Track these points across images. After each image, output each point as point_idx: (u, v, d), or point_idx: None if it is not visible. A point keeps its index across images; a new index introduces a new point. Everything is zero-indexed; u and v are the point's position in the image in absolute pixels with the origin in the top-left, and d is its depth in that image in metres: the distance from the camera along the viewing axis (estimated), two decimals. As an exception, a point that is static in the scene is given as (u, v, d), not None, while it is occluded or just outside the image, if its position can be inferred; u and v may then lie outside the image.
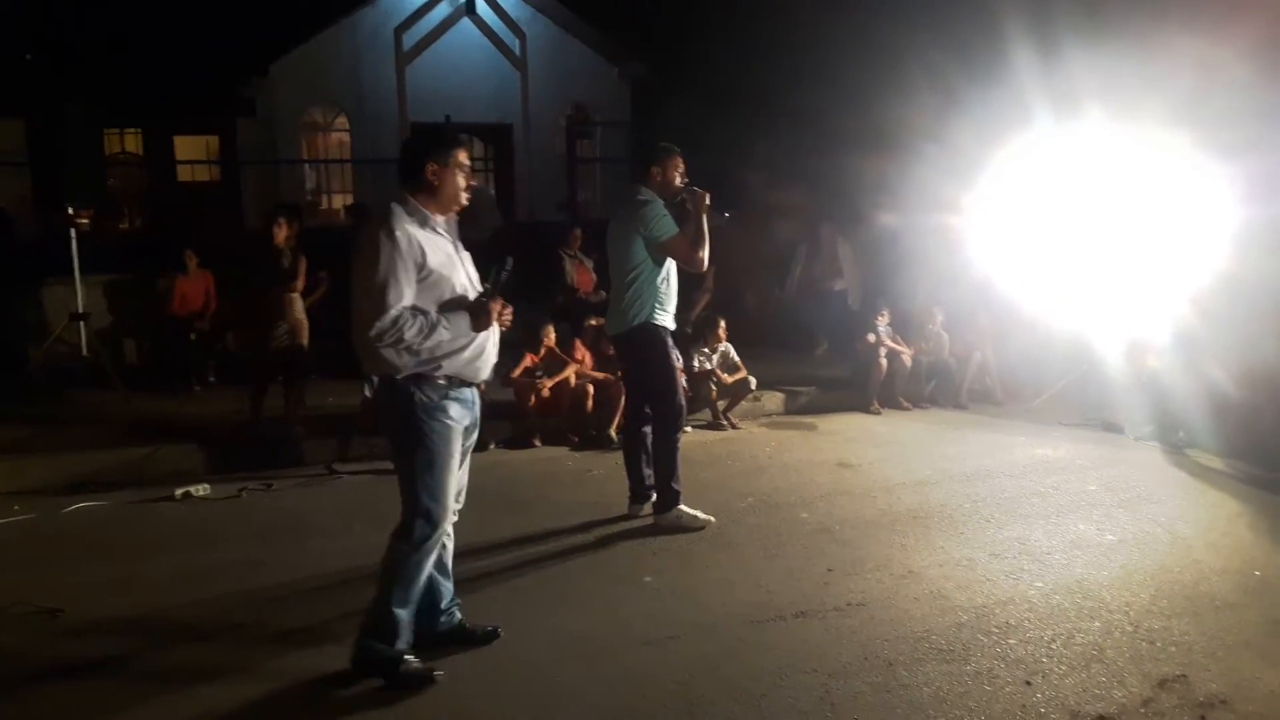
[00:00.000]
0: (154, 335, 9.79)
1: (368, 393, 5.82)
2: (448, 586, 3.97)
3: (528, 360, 7.80)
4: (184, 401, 8.56)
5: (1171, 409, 7.48)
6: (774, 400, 8.93)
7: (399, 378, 3.57)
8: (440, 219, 3.68)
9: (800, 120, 13.93)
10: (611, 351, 7.23)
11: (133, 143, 17.89)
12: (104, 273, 9.91)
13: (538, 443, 7.63)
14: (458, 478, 3.82)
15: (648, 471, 5.65)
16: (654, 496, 5.61)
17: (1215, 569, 4.85)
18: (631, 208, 5.41)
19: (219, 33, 15.74)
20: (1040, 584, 4.66)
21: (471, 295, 3.68)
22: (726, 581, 4.74)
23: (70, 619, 4.33)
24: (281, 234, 7.31)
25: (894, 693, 3.60)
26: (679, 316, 5.76)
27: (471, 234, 3.93)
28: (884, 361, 8.92)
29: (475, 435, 3.88)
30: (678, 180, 5.48)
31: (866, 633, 4.11)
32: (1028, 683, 3.66)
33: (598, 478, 6.74)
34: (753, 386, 8.43)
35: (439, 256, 3.59)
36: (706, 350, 8.45)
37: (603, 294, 9.44)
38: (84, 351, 9.21)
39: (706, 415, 8.35)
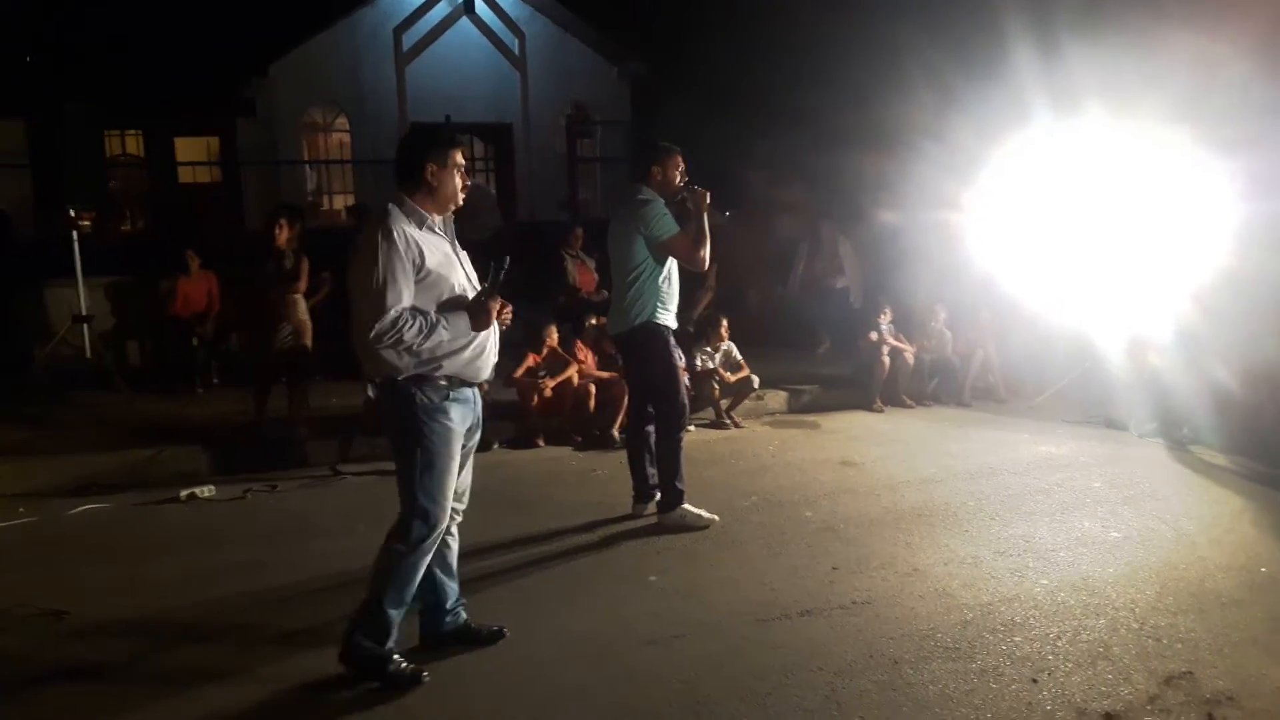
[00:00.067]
0: (157, 337, 9.79)
1: (371, 393, 5.82)
2: (453, 587, 3.97)
3: (530, 360, 7.80)
4: (187, 403, 8.56)
5: (1175, 406, 7.48)
6: (777, 399, 8.93)
7: (399, 379, 3.57)
8: (438, 219, 3.68)
9: (800, 118, 13.91)
10: (613, 350, 7.23)
11: (134, 144, 17.90)
12: (106, 274, 9.92)
13: (541, 443, 7.63)
14: (461, 478, 3.82)
15: (651, 471, 5.65)
16: (658, 496, 5.61)
17: (1221, 565, 4.84)
18: (632, 207, 5.40)
19: (219, 33, 15.75)
20: (1045, 581, 4.66)
21: (470, 295, 3.67)
22: (731, 580, 4.74)
23: (75, 621, 4.33)
24: (283, 235, 7.32)
25: (900, 691, 3.59)
26: (681, 315, 5.75)
27: (473, 234, 3.94)
28: (886, 359, 8.92)
29: (478, 436, 3.88)
30: (678, 179, 5.47)
31: (872, 631, 4.11)
32: (1034, 680, 3.66)
33: (601, 477, 6.73)
34: (755, 385, 8.43)
35: (437, 257, 3.58)
36: (709, 349, 8.45)
37: (605, 293, 9.44)
38: (87, 353, 9.23)
39: (710, 414, 8.35)
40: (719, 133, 13.86)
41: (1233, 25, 7.71)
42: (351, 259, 3.57)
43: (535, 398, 7.61)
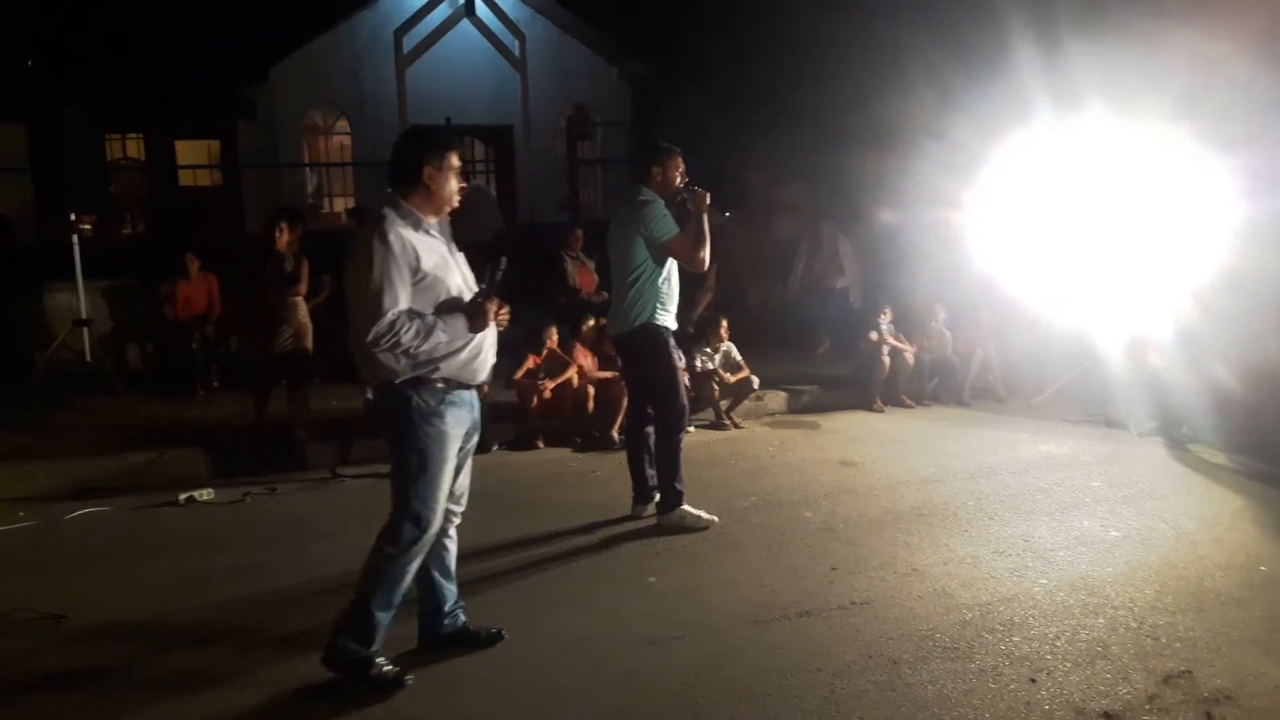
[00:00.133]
0: (157, 340, 9.80)
1: (370, 395, 5.82)
2: (451, 589, 3.97)
3: (530, 362, 7.80)
4: (187, 406, 8.56)
5: (1174, 404, 7.47)
6: (777, 399, 8.93)
7: (396, 382, 3.56)
8: (433, 221, 3.66)
9: (800, 118, 13.91)
10: (612, 351, 7.23)
11: (134, 148, 17.94)
12: (107, 278, 9.92)
13: (540, 444, 7.63)
14: (460, 480, 3.82)
15: (651, 472, 5.65)
16: (657, 497, 5.61)
17: (1220, 564, 4.84)
18: (632, 208, 5.41)
19: (219, 36, 15.77)
20: (1045, 581, 4.65)
21: (467, 296, 3.66)
22: (730, 581, 4.74)
23: (74, 625, 4.33)
24: (283, 239, 7.32)
25: (899, 691, 3.59)
26: (681, 316, 5.75)
27: (474, 235, 3.94)
28: (886, 359, 8.91)
29: (476, 438, 3.87)
30: (678, 180, 5.48)
31: (871, 631, 4.11)
32: (1032, 680, 3.66)
33: (601, 479, 6.73)
34: (755, 386, 8.43)
35: (433, 259, 3.57)
36: (709, 350, 8.44)
37: (605, 295, 9.43)
38: (87, 357, 9.22)
39: (709, 415, 8.35)
40: (719, 133, 13.87)
41: (1233, 23, 7.70)
42: (347, 262, 3.56)
43: (535, 399, 7.61)
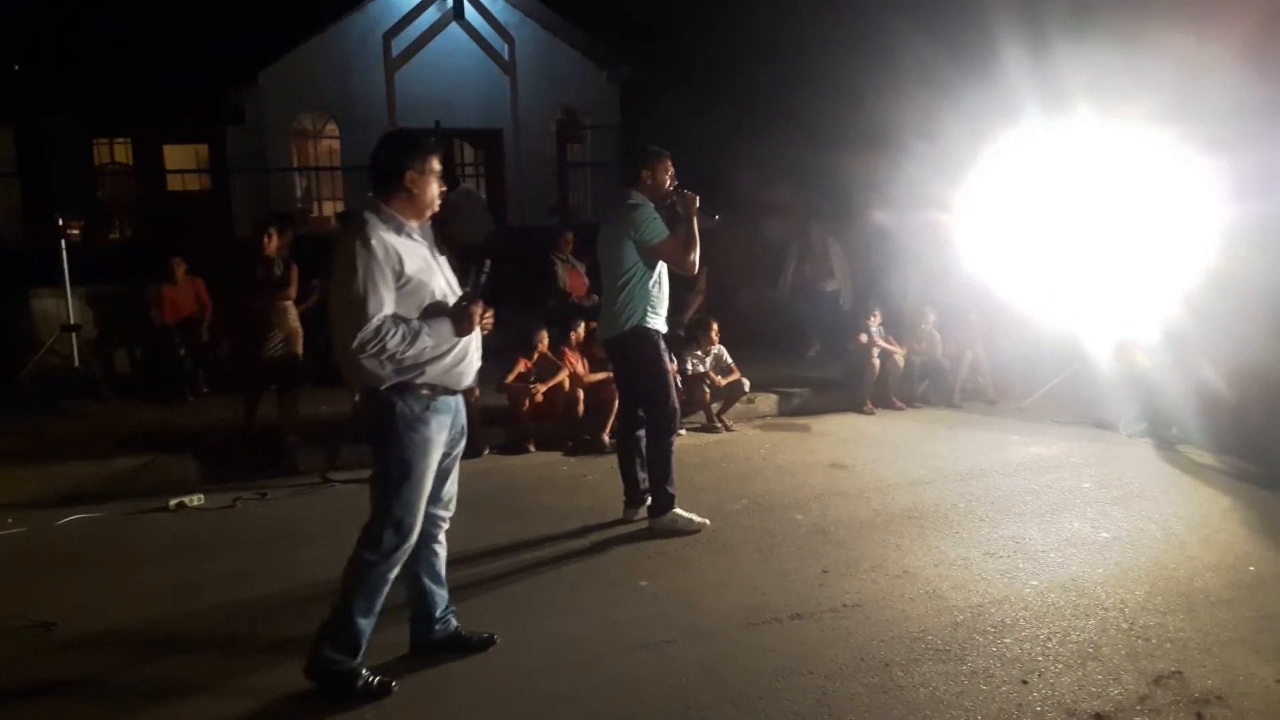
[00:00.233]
0: (146, 345, 9.76)
1: (358, 399, 5.81)
2: (442, 594, 3.96)
3: (521, 365, 7.79)
4: (177, 411, 8.53)
5: (1163, 406, 7.50)
6: (767, 402, 8.94)
7: (381, 389, 3.54)
8: (415, 225, 3.64)
9: (790, 120, 13.94)
10: (603, 355, 7.23)
11: (122, 152, 17.86)
12: (95, 283, 9.88)
13: (532, 448, 7.62)
14: (448, 486, 3.82)
15: (642, 475, 5.65)
16: (649, 500, 5.61)
17: (1209, 565, 4.86)
18: (622, 211, 5.41)
19: (207, 41, 15.73)
20: (1035, 582, 4.67)
21: (451, 300, 3.64)
22: (722, 584, 4.74)
23: (64, 632, 4.31)
24: (272, 244, 7.30)
25: (890, 694, 3.60)
26: (671, 319, 5.76)
27: (464, 239, 3.93)
28: (876, 362, 8.93)
29: (463, 444, 3.85)
30: (668, 183, 5.48)
31: (862, 634, 4.11)
32: (1024, 681, 3.67)
33: (592, 482, 6.73)
34: (746, 388, 8.44)
35: (416, 262, 3.55)
36: (699, 353, 8.45)
37: (595, 298, 9.43)
38: (76, 362, 9.18)
39: (700, 418, 8.35)
40: (709, 136, 13.88)
41: (1221, 26, 7.74)
42: (332, 267, 3.54)
43: (526, 403, 7.61)
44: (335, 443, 7.18)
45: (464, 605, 4.18)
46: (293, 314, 7.37)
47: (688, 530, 5.48)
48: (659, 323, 5.48)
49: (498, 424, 7.63)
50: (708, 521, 5.58)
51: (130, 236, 16.70)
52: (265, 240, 7.30)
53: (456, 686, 3.72)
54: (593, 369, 8.04)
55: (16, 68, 15.63)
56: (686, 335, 8.77)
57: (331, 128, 18.05)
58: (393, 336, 3.44)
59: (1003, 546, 5.18)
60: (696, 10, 17.18)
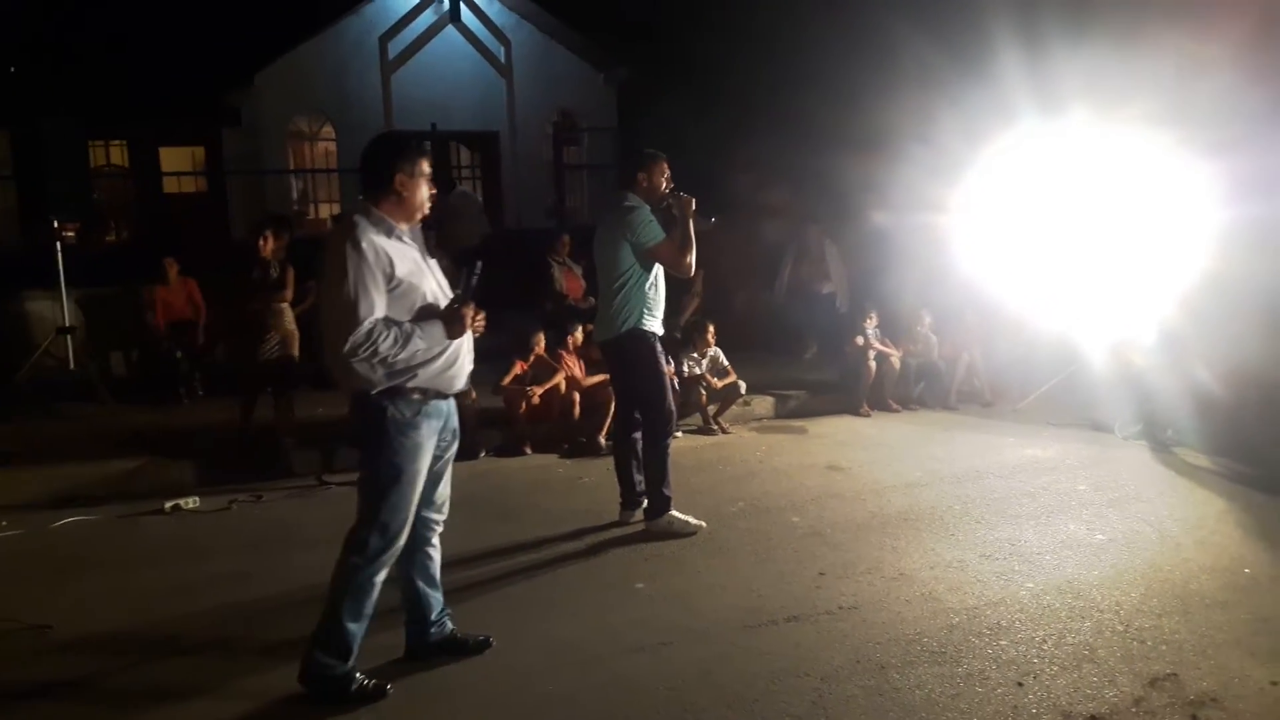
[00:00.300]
0: (141, 347, 9.75)
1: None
2: (437, 597, 3.95)
3: (517, 368, 7.79)
4: (173, 413, 8.52)
5: (1159, 408, 7.51)
6: (764, 404, 8.94)
7: (372, 393, 3.52)
8: (405, 227, 3.62)
9: (786, 122, 13.96)
10: (598, 357, 7.23)
11: (118, 154, 17.84)
12: (91, 285, 9.87)
13: (528, 450, 7.62)
14: (440, 489, 3.81)
15: (638, 478, 5.64)
16: (645, 503, 5.61)
17: (1204, 567, 4.87)
18: (618, 214, 5.41)
19: (204, 42, 15.71)
20: (1031, 584, 4.67)
21: (442, 302, 3.63)
22: (718, 586, 4.74)
23: (60, 635, 4.31)
24: (268, 246, 7.30)
25: (886, 696, 3.60)
26: (668, 321, 5.76)
27: (460, 241, 3.92)
28: (873, 364, 8.94)
29: (455, 447, 3.84)
30: (664, 185, 5.48)
31: (858, 636, 4.12)
32: (1019, 684, 3.67)
33: (588, 485, 6.73)
34: (742, 391, 8.45)
35: (407, 265, 3.53)
36: (696, 355, 8.46)
37: (592, 300, 9.42)
38: (71, 365, 9.17)
39: (697, 420, 8.35)
40: (705, 138, 13.90)
41: (1217, 29, 7.76)
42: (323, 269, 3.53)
43: (523, 405, 7.60)
44: (331, 445, 7.18)
45: (460, 607, 4.18)
46: (289, 316, 7.36)
47: (684, 532, 5.48)
48: (655, 325, 5.48)
49: (494, 426, 7.63)
50: (704, 524, 5.58)
51: (126, 239, 16.69)
52: (261, 242, 7.29)
53: (453, 689, 3.72)
54: (589, 372, 8.03)
55: (12, 69, 15.60)
56: (683, 337, 8.78)
57: (328, 130, 18.05)
58: (384, 339, 3.42)
59: (998, 549, 5.19)
60: (693, 12, 17.19)
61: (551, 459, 7.51)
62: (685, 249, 5.39)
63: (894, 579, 4.78)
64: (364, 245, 3.43)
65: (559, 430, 7.76)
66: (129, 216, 17.48)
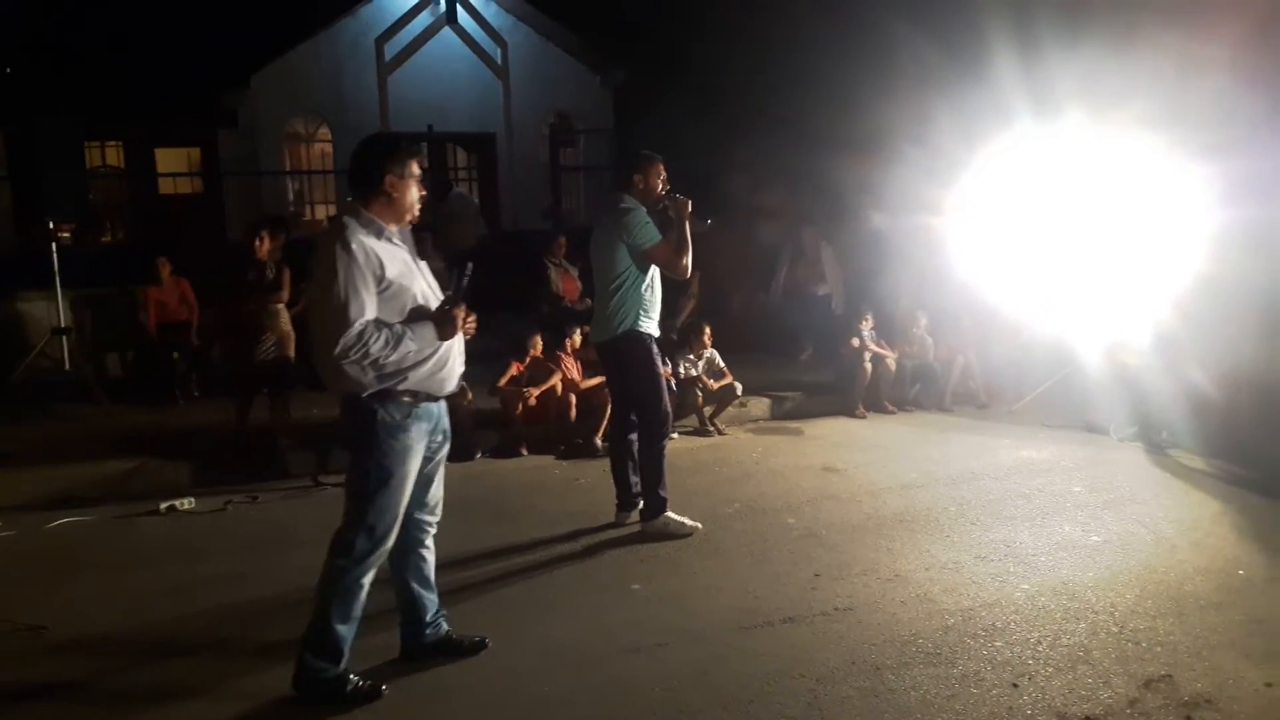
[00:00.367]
0: (137, 348, 9.74)
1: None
2: (432, 599, 3.95)
3: (514, 369, 7.79)
4: (168, 414, 8.51)
5: (1154, 410, 7.52)
6: (760, 406, 8.94)
7: (363, 396, 3.51)
8: (395, 229, 3.61)
9: (782, 124, 13.95)
10: (594, 358, 7.23)
11: (114, 155, 17.81)
12: (86, 286, 9.85)
13: (524, 451, 7.61)
14: (433, 490, 3.81)
15: (634, 479, 5.65)
16: (640, 504, 5.61)
17: (1199, 568, 4.88)
18: (614, 215, 5.42)
19: (200, 43, 15.68)
20: (1026, 586, 4.68)
21: (433, 304, 3.62)
22: (714, 588, 4.75)
23: (55, 636, 4.30)
24: (264, 247, 7.30)
25: (881, 697, 3.61)
26: (664, 323, 5.77)
27: (457, 242, 3.91)
28: (868, 365, 8.95)
29: (446, 447, 3.83)
30: (660, 187, 5.49)
31: (854, 637, 4.12)
32: (1014, 685, 3.68)
33: (584, 486, 6.73)
34: (739, 392, 8.45)
35: (397, 266, 3.52)
36: (692, 356, 8.46)
37: (588, 302, 9.43)
38: (66, 365, 9.15)
39: (693, 421, 8.35)
40: (701, 139, 13.88)
41: (1213, 31, 7.77)
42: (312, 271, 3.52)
43: (519, 407, 7.60)
44: (326, 446, 7.16)
45: (455, 609, 4.18)
46: (285, 317, 7.35)
47: (680, 534, 5.48)
48: (651, 327, 5.49)
49: (490, 427, 7.62)
50: (700, 525, 5.58)
51: (122, 239, 16.64)
52: (257, 244, 7.29)
53: (448, 690, 3.72)
54: (587, 374, 8.03)
55: (9, 70, 15.58)
56: (679, 339, 8.79)
57: (324, 131, 18.04)
58: (375, 341, 3.41)
59: (994, 550, 5.19)
60: (690, 15, 17.20)
61: (548, 460, 7.50)
62: (681, 251, 5.40)
63: (889, 580, 4.78)
64: (354, 247, 3.42)
65: (555, 432, 7.76)
66: (125, 217, 17.43)
